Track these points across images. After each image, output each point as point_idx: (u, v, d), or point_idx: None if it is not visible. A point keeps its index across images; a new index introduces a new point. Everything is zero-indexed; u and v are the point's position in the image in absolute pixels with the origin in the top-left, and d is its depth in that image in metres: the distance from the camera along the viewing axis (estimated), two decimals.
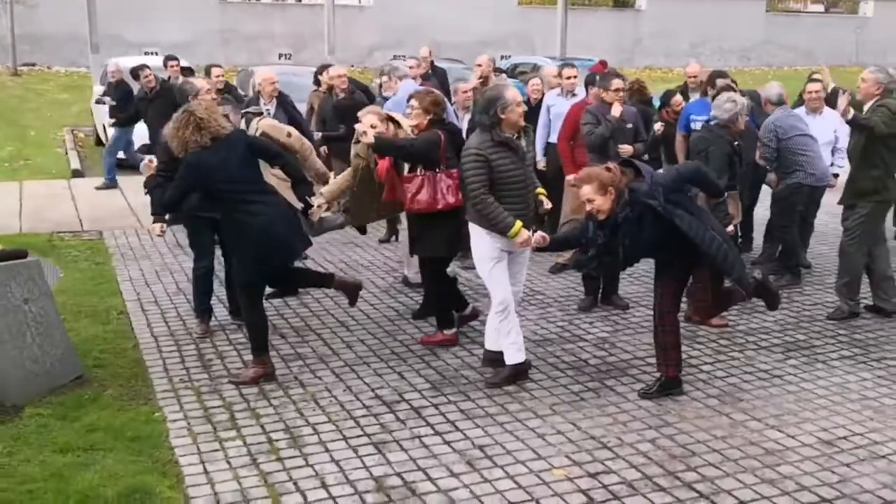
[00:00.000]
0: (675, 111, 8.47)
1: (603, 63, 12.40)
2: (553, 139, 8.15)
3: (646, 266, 7.52)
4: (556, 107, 8.28)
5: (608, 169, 4.99)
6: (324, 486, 4.34)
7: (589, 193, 4.93)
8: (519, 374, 5.56)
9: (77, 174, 13.52)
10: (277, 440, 4.83)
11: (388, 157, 5.95)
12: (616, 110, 6.88)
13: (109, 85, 12.47)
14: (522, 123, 5.40)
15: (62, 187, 12.19)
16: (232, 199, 5.41)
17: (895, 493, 4.21)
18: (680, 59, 29.25)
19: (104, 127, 13.90)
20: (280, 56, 25.27)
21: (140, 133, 11.35)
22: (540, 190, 5.66)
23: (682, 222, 4.82)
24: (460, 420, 5.05)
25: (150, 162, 6.14)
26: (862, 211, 6.48)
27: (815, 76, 8.49)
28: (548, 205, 5.68)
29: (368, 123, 6.07)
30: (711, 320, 6.22)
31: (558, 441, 4.77)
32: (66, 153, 15.25)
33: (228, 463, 4.57)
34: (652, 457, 4.59)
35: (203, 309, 6.60)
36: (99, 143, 15.42)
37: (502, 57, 20.72)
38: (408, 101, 6.17)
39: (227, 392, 5.49)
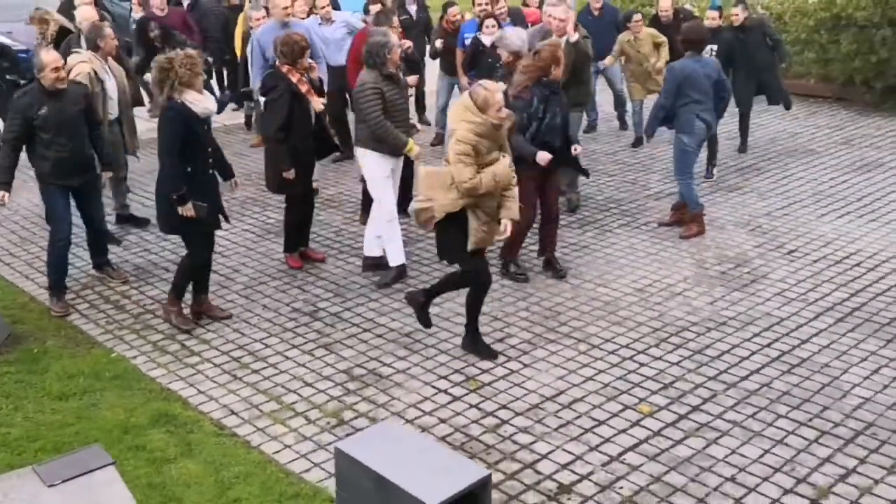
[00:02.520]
0: (452, 21, 9.85)
1: None
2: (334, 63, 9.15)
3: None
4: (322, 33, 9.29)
5: None
6: (307, 384, 5.44)
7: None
8: (401, 273, 6.86)
9: None
10: (240, 357, 5.78)
11: None
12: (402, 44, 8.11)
13: None
14: (400, 62, 6.60)
15: None
16: None
17: (696, 317, 6.17)
18: None
19: None
20: None
21: None
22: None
23: None
24: (377, 317, 6.29)
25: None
26: None
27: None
28: (420, 126, 6.94)
29: None
30: None
31: (461, 321, 6.19)
32: None
33: (214, 382, 5.49)
34: (532, 320, 6.19)
35: (61, 287, 6.52)
36: None
37: None
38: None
39: (160, 325, 6.23)
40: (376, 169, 6.64)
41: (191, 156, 5.78)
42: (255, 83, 8.33)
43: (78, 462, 3.55)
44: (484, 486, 2.90)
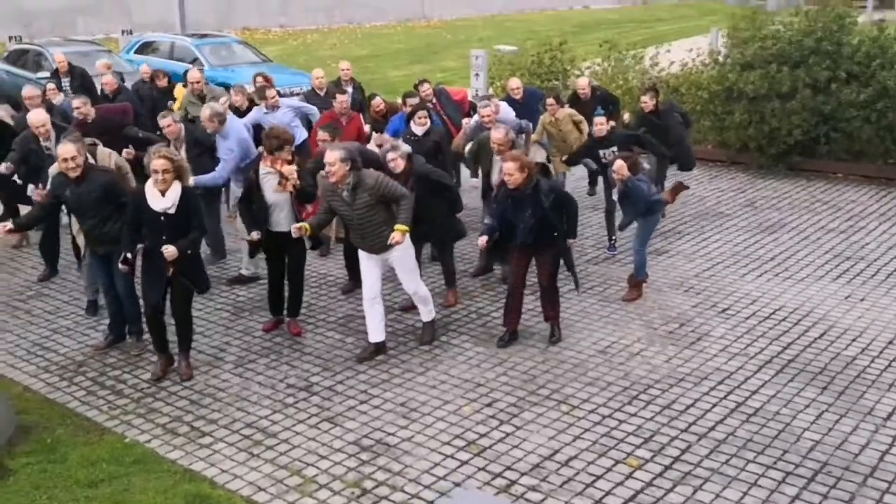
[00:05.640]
0: (376, 111, 10.49)
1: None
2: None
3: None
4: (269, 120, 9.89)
5: (525, 154, 7.52)
6: (322, 457, 5.87)
7: (510, 169, 7.05)
8: (380, 349, 7.34)
9: None
10: (251, 434, 6.16)
11: None
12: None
13: None
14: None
15: None
16: None
17: (657, 374, 6.92)
18: (272, 17, 30.77)
19: None
20: None
21: None
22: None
23: (572, 207, 7.34)
24: (369, 388, 6.78)
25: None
26: None
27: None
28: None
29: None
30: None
31: (447, 388, 6.76)
32: None
33: (233, 460, 5.85)
34: (513, 384, 6.80)
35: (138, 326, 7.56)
36: None
37: (123, 32, 20.57)
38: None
39: (164, 408, 6.54)
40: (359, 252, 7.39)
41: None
42: None
43: None
44: None
